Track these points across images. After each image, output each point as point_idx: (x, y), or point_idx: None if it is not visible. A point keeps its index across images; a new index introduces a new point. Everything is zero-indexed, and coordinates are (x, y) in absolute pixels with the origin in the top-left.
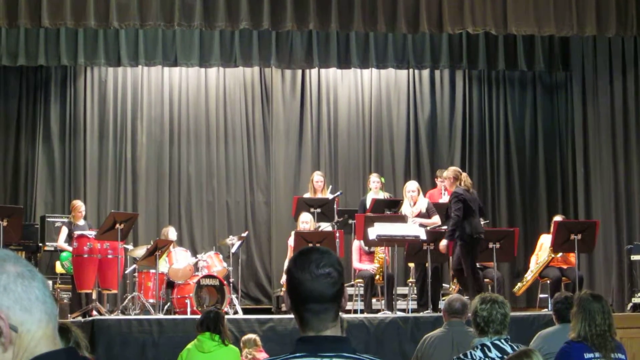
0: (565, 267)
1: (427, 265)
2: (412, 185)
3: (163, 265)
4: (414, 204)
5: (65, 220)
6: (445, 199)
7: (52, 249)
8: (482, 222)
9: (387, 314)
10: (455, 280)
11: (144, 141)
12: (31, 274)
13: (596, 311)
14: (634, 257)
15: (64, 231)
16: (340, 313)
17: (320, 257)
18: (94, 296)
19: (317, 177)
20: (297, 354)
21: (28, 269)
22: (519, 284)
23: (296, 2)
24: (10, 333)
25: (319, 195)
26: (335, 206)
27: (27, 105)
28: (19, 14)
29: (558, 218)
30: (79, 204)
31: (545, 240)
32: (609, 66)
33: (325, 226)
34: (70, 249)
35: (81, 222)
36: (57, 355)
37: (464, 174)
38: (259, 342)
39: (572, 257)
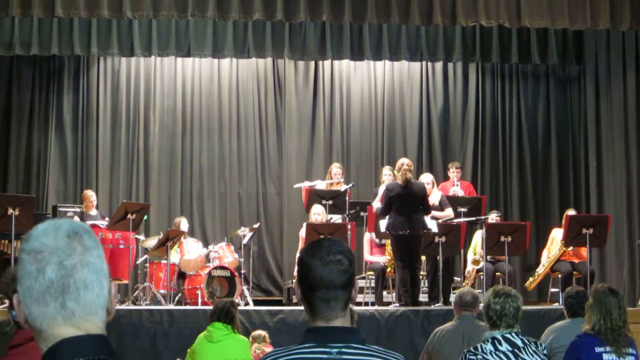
0: (576, 261)
1: (438, 258)
2: (426, 178)
3: (174, 256)
4: (428, 196)
5: (78, 210)
6: (455, 190)
7: None
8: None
9: (398, 307)
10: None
11: (156, 132)
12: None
13: (613, 305)
14: None
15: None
16: (350, 305)
17: (332, 245)
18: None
19: (336, 169)
20: (306, 344)
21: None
22: (531, 279)
23: None
24: None
25: (334, 186)
26: (347, 198)
27: (40, 94)
28: (33, 4)
29: (571, 212)
30: (89, 193)
31: (557, 234)
32: (622, 60)
33: (337, 218)
34: None
35: (93, 212)
36: (84, 340)
37: (403, 167)
38: (268, 339)
39: (584, 251)
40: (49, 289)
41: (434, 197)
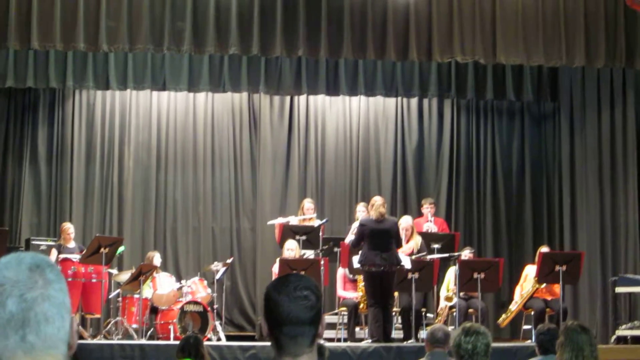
0: (549, 298)
1: (411, 294)
2: (404, 223)
3: (147, 291)
4: (406, 241)
5: (53, 243)
6: (429, 226)
7: None
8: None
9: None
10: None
11: (130, 165)
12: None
13: (585, 342)
14: (619, 290)
15: (54, 254)
16: (322, 341)
17: (299, 280)
18: (77, 320)
19: (308, 204)
20: None
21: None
22: (504, 315)
23: (286, 29)
24: None
25: (306, 221)
26: (320, 234)
27: (14, 127)
28: (9, 36)
29: (544, 249)
30: (67, 226)
31: (530, 271)
32: (597, 97)
33: (310, 254)
34: None
35: (72, 245)
36: None
37: (377, 203)
38: None
39: (557, 288)
40: (9, 321)
41: (412, 244)
